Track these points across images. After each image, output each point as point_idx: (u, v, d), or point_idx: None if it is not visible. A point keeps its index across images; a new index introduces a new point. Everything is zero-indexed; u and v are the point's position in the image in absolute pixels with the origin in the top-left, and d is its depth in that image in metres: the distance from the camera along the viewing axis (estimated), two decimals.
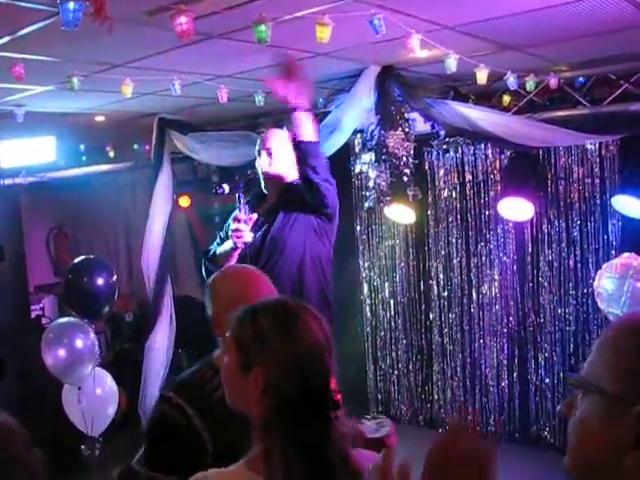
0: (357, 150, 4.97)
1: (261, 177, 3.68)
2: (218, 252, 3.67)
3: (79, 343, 4.54)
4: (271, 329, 1.46)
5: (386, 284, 6.22)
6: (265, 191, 3.70)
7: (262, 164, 3.64)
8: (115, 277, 4.91)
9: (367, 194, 5.00)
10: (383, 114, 4.46)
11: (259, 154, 3.67)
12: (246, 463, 1.47)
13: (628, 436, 0.97)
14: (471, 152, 5.62)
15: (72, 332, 4.58)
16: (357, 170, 5.03)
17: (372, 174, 4.81)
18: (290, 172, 3.60)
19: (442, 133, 4.79)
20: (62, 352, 4.49)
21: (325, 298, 3.53)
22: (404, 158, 4.38)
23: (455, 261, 5.86)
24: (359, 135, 4.83)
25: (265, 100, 4.84)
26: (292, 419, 1.40)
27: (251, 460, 1.46)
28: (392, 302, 6.23)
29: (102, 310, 4.81)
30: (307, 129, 3.41)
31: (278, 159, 3.61)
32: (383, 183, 4.63)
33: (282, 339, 1.45)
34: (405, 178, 4.46)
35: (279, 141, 3.69)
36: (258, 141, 3.72)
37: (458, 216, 5.80)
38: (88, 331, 4.65)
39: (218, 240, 3.81)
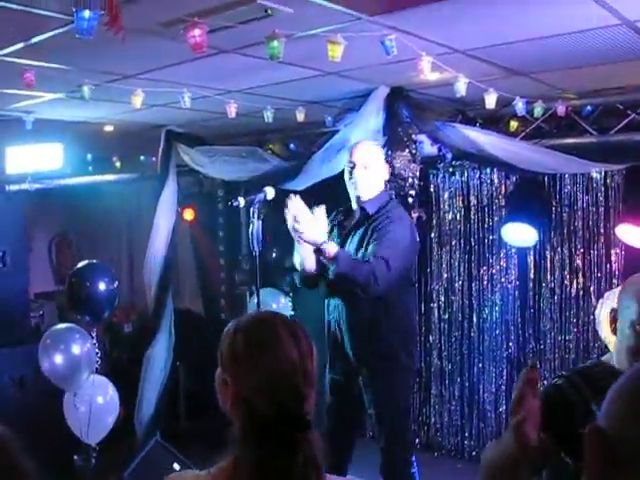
0: None
1: (355, 190, 3.53)
2: (298, 265, 3.53)
3: (76, 349, 4.52)
4: (244, 347, 1.51)
5: None
6: (355, 205, 3.57)
7: (347, 180, 3.52)
8: (117, 283, 4.90)
9: None
10: (391, 135, 4.46)
11: (353, 167, 3.52)
12: (212, 475, 1.49)
13: None
14: (477, 176, 5.61)
15: (70, 338, 4.56)
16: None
17: None
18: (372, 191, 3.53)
19: (449, 156, 4.79)
20: (59, 358, 4.47)
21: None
22: (410, 179, 4.38)
23: (457, 284, 5.83)
24: None
25: (274, 116, 4.86)
26: (260, 436, 1.43)
27: (218, 471, 1.49)
28: None
29: (103, 314, 4.80)
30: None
31: (362, 176, 3.50)
32: None
33: (253, 357, 1.49)
34: (410, 199, 4.45)
35: (376, 155, 3.62)
36: (347, 155, 3.59)
37: (461, 239, 5.78)
38: (86, 337, 4.63)
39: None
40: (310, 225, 3.24)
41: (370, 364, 3.46)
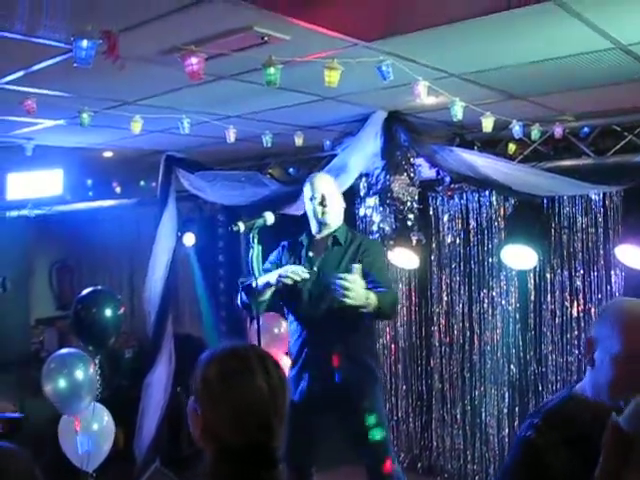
0: (362, 194, 4.97)
1: (314, 222, 3.70)
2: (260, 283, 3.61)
3: (79, 374, 4.52)
4: (215, 377, 1.52)
5: (387, 329, 6.18)
6: (317, 234, 3.72)
7: (317, 211, 3.65)
8: (123, 309, 4.91)
9: (372, 237, 5.00)
10: (389, 159, 4.49)
11: (312, 200, 3.67)
12: None
13: None
14: (476, 199, 5.62)
15: (73, 363, 4.55)
16: (361, 213, 5.03)
17: (376, 218, 4.82)
18: (339, 219, 3.71)
19: (447, 179, 4.81)
20: (62, 382, 4.47)
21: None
22: (409, 203, 4.39)
23: (457, 307, 5.82)
24: (364, 179, 4.84)
25: (273, 141, 4.89)
26: (229, 467, 1.45)
27: None
28: (393, 347, 6.18)
29: (109, 341, 4.80)
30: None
31: (332, 207, 3.67)
32: (387, 227, 4.64)
33: (223, 388, 1.50)
34: (409, 223, 4.47)
35: (331, 187, 3.74)
36: (308, 186, 3.72)
37: (461, 262, 5.78)
38: (89, 363, 4.62)
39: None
40: (358, 289, 3.28)
41: (358, 382, 3.56)
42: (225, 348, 1.62)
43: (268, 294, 3.60)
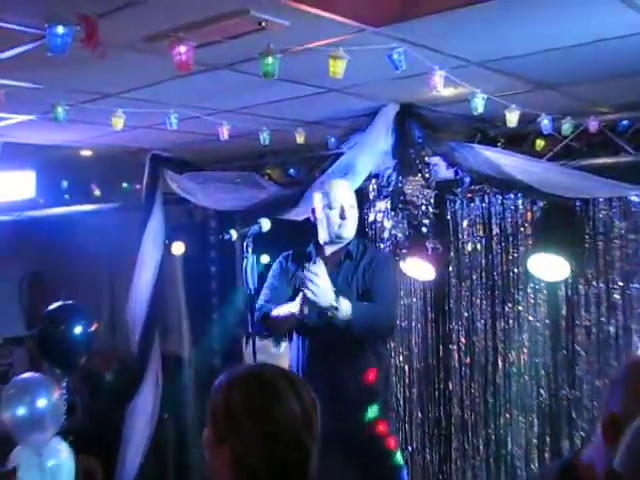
0: (371, 197, 4.96)
1: (325, 234, 3.67)
2: (274, 315, 3.62)
3: (42, 403, 4.46)
4: (242, 407, 1.52)
5: (400, 348, 6.15)
6: (327, 247, 3.72)
7: (333, 223, 3.64)
8: (95, 326, 4.89)
9: (381, 246, 4.98)
10: (401, 158, 4.48)
11: (328, 209, 3.65)
12: None
13: None
14: (499, 202, 5.60)
15: (36, 390, 4.50)
16: (371, 219, 5.01)
17: (387, 224, 4.81)
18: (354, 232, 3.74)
19: (467, 180, 4.80)
20: (22, 410, 4.40)
21: None
22: (423, 207, 4.38)
23: (479, 324, 5.79)
24: (374, 180, 4.83)
25: (271, 138, 4.89)
26: None
27: None
28: (407, 368, 6.15)
29: (78, 361, 4.77)
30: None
31: (351, 219, 3.68)
32: (399, 234, 4.62)
33: (253, 418, 1.51)
34: (424, 229, 4.46)
35: (351, 197, 3.75)
36: (323, 193, 3.70)
37: (483, 273, 5.76)
38: (54, 390, 4.56)
39: (266, 296, 3.75)
40: (325, 286, 3.33)
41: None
42: (246, 370, 1.63)
43: (288, 324, 3.62)
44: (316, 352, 3.62)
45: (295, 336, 3.74)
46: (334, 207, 3.62)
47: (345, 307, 3.32)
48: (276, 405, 1.51)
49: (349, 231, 3.66)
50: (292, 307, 3.50)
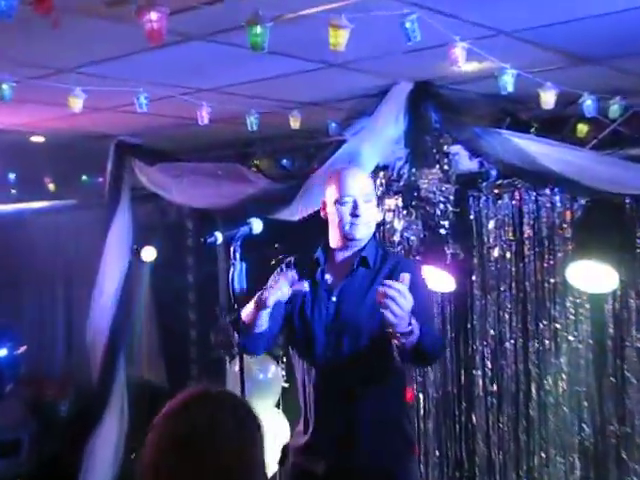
0: (379, 193, 4.96)
1: (337, 235, 3.56)
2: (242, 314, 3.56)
3: None
4: (171, 438, 1.57)
5: (413, 374, 6.15)
6: (338, 252, 3.59)
7: (345, 222, 3.56)
8: (23, 348, 4.88)
9: (392, 250, 4.98)
10: (415, 146, 4.49)
11: (340, 204, 3.58)
12: None
13: None
14: (532, 199, 5.60)
15: None
16: (379, 219, 5.02)
17: (398, 225, 4.82)
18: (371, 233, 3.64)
19: (494, 173, 4.80)
20: None
21: None
22: (441, 205, 4.38)
23: (508, 344, 5.79)
24: (382, 174, 4.84)
25: (260, 123, 4.89)
26: None
27: None
28: (421, 397, 6.15)
29: (3, 390, 4.76)
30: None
31: (367, 217, 3.55)
32: (413, 238, 4.62)
33: (180, 452, 1.55)
34: (442, 231, 4.46)
35: (369, 189, 3.68)
36: (334, 185, 3.57)
37: (513, 284, 5.75)
38: None
39: None
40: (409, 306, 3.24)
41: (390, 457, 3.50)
42: (187, 395, 1.62)
43: (263, 324, 3.54)
44: (330, 393, 3.56)
45: (300, 362, 3.67)
46: (345, 202, 3.54)
47: (417, 330, 3.18)
48: (209, 441, 1.53)
49: (362, 231, 3.52)
50: (256, 297, 3.46)
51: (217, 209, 5.20)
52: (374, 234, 3.64)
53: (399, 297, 2.99)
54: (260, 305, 3.33)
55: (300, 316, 3.50)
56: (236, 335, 3.54)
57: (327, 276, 3.57)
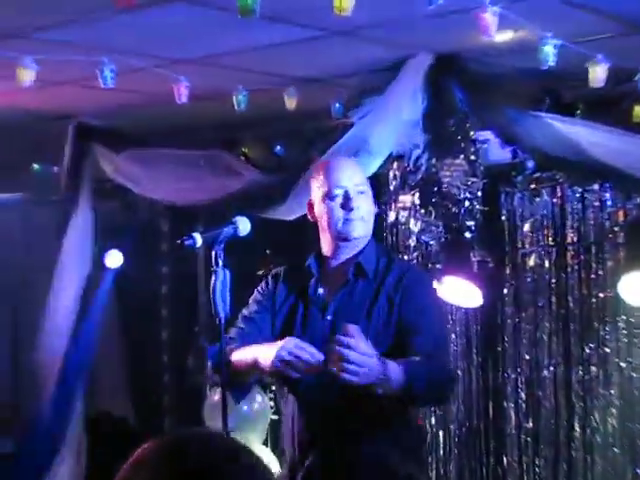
0: (392, 187, 4.96)
1: (328, 237, 3.55)
2: (235, 359, 3.53)
3: None
4: None
5: (432, 406, 6.15)
6: (332, 258, 3.60)
7: (336, 219, 3.54)
8: None
9: (406, 258, 4.97)
10: (436, 132, 4.48)
11: (329, 199, 3.56)
12: None
13: None
14: (577, 196, 5.61)
15: None
16: (391, 219, 5.02)
17: (415, 226, 4.81)
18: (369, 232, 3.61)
19: (530, 165, 4.80)
20: None
21: None
22: (467, 203, 4.38)
23: (546, 372, 5.79)
24: (396, 164, 4.84)
25: (249, 102, 4.89)
26: None
27: None
28: (442, 434, 6.15)
29: None
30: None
31: (362, 211, 3.56)
32: (432, 242, 4.61)
33: None
34: (468, 234, 4.46)
35: (361, 179, 3.66)
36: (321, 177, 3.61)
37: (553, 299, 5.75)
38: None
39: (238, 331, 3.69)
40: (368, 361, 3.21)
41: None
42: (172, 443, 1.61)
43: (252, 377, 3.55)
44: (325, 434, 3.54)
45: (289, 395, 3.67)
46: (335, 195, 3.54)
47: (396, 374, 3.21)
48: None
49: (358, 228, 3.49)
50: (263, 354, 3.42)
51: (197, 206, 5.19)
52: (373, 235, 3.62)
53: (354, 355, 2.99)
54: (273, 367, 3.32)
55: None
56: (215, 376, 3.55)
57: (320, 289, 3.55)
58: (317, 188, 3.53)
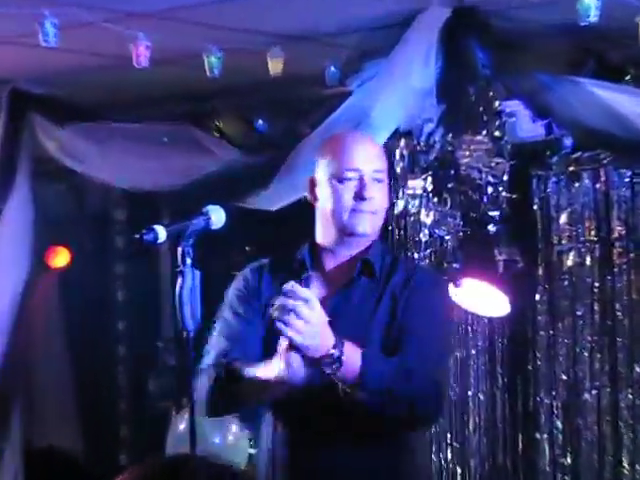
0: (399, 170, 4.97)
1: (332, 228, 3.58)
2: (248, 375, 3.52)
3: None
4: None
5: (449, 435, 6.17)
6: (334, 251, 3.60)
7: (345, 208, 3.54)
8: None
9: (416, 256, 4.98)
10: (453, 102, 4.49)
11: (338, 182, 3.55)
12: None
13: None
14: (625, 181, 5.62)
15: None
16: (398, 209, 5.02)
17: (427, 217, 4.80)
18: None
19: (568, 142, 4.80)
20: None
21: None
22: (490, 189, 4.38)
23: (588, 396, 5.80)
24: (404, 141, 4.84)
25: (224, 66, 4.88)
26: None
27: None
28: (460, 473, 6.17)
29: None
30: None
31: (378, 201, 3.55)
32: (448, 237, 4.60)
33: None
34: (491, 228, 4.46)
35: (381, 164, 3.65)
36: (329, 155, 3.60)
37: (596, 306, 5.77)
38: None
39: (219, 346, 3.69)
40: (318, 321, 3.23)
41: None
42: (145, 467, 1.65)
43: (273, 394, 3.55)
44: (306, 442, 3.56)
45: (268, 414, 3.68)
46: (347, 178, 3.52)
47: (353, 360, 3.26)
48: None
49: (368, 223, 3.51)
50: (275, 366, 3.42)
51: (160, 192, 5.19)
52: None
53: (305, 311, 3.01)
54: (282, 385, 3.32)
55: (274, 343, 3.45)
56: (208, 395, 3.53)
57: (314, 287, 3.55)
58: (324, 165, 3.50)
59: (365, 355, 3.17)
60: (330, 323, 3.46)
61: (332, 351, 3.10)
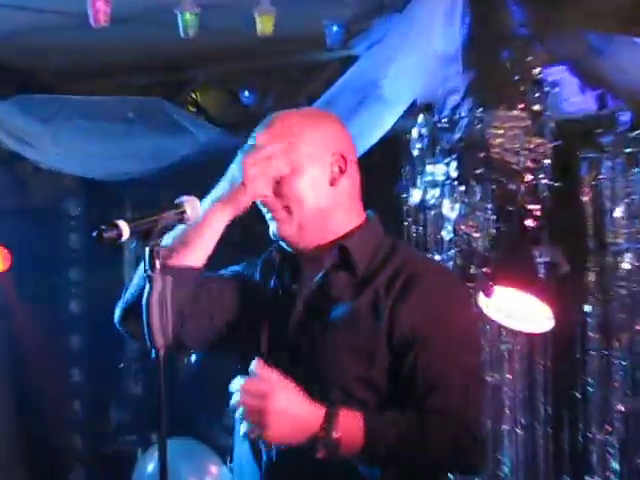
0: (416, 152, 4.98)
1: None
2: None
3: None
4: None
5: None
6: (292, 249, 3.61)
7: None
8: None
9: (438, 258, 5.00)
10: (482, 69, 4.50)
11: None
12: None
13: None
14: None
15: None
16: (414, 200, 5.03)
17: (450, 212, 4.81)
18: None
19: (625, 117, 4.82)
20: None
21: None
22: (529, 176, 4.39)
23: None
24: (422, 117, 4.85)
25: (201, 25, 4.89)
26: None
27: None
28: None
29: None
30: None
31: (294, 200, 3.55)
32: (477, 234, 4.61)
33: None
34: (530, 223, 4.48)
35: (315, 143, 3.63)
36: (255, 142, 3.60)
37: None
38: None
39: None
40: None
41: None
42: None
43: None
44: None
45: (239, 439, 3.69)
46: None
47: (350, 430, 3.24)
48: None
49: (286, 225, 3.56)
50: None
51: (123, 181, 5.21)
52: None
53: (251, 399, 2.98)
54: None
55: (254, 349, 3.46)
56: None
57: (293, 285, 3.56)
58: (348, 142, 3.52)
59: (368, 426, 3.14)
60: (301, 326, 3.46)
61: (320, 435, 3.08)
